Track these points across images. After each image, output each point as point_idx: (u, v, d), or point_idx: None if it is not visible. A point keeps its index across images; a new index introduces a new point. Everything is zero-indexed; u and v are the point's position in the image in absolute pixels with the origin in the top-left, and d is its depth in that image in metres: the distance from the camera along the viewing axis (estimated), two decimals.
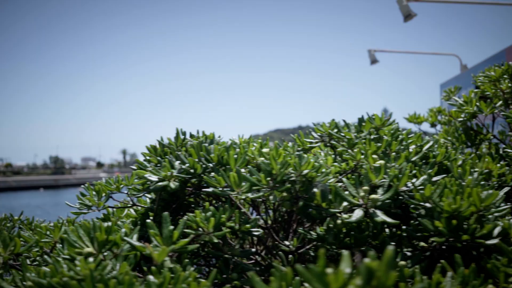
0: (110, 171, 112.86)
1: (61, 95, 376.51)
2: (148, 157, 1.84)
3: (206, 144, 1.67)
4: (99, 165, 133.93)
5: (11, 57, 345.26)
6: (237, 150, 1.61)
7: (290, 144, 1.97)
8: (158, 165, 1.71)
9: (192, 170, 1.59)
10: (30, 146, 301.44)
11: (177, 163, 1.62)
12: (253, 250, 1.70)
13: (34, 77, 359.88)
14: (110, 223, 1.25)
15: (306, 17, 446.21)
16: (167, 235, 1.20)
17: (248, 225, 1.41)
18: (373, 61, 9.86)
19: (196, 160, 1.61)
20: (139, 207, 1.90)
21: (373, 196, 1.40)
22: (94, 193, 1.88)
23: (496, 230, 1.30)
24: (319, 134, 2.04)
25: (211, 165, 1.61)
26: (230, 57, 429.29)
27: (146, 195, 1.87)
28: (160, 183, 1.56)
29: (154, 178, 1.58)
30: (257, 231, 1.46)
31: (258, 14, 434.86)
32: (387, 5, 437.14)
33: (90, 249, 1.21)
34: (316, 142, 2.04)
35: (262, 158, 1.58)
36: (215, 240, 1.32)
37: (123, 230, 1.28)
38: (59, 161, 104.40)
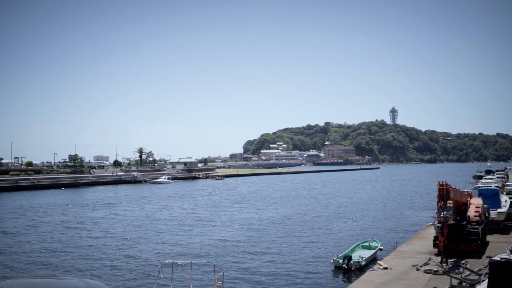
0: (128, 170, 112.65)
1: (63, 94, 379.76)
2: None
3: None
4: (116, 164, 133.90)
5: (12, 56, 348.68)
6: None
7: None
8: None
9: None
10: (37, 145, 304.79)
11: None
12: None
13: (34, 76, 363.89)
14: None
15: (310, 17, 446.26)
16: None
17: None
18: None
19: None
20: None
21: None
22: None
23: None
24: None
25: None
26: (239, 55, 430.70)
27: None
28: None
29: None
30: None
31: (260, 13, 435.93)
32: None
33: None
34: None
35: None
36: None
37: None
38: (78, 159, 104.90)
